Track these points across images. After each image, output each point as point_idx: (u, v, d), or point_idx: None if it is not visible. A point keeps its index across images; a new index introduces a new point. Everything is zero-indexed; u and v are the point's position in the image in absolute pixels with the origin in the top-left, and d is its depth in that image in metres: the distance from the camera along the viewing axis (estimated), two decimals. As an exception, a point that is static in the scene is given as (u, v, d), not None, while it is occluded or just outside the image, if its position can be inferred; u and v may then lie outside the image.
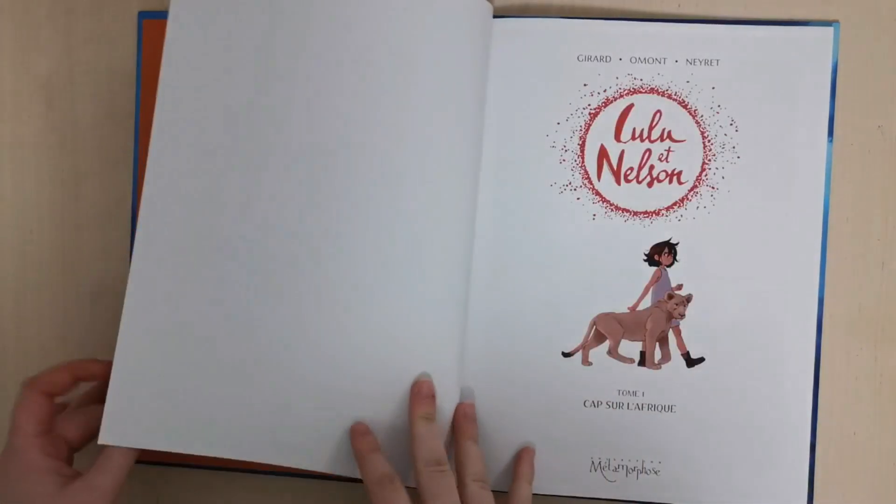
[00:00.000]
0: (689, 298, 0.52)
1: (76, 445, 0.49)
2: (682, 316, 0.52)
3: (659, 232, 0.53)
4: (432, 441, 0.47)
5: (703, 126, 0.52)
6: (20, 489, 0.46)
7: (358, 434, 0.48)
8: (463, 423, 0.51)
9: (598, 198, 0.53)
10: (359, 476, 0.48)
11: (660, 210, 0.53)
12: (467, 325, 0.52)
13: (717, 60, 0.52)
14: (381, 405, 0.49)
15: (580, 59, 0.53)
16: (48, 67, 0.55)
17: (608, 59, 0.53)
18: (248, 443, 0.48)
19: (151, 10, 0.55)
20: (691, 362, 0.52)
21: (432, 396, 0.49)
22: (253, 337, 0.49)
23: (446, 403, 0.51)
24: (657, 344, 0.53)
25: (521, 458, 0.52)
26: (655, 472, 0.52)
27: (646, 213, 0.53)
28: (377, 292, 0.49)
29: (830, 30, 0.52)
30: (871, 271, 0.53)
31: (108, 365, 0.49)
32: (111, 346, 0.55)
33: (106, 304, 0.55)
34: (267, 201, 0.49)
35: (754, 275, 0.52)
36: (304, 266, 0.49)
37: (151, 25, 0.54)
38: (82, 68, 0.55)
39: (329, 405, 0.49)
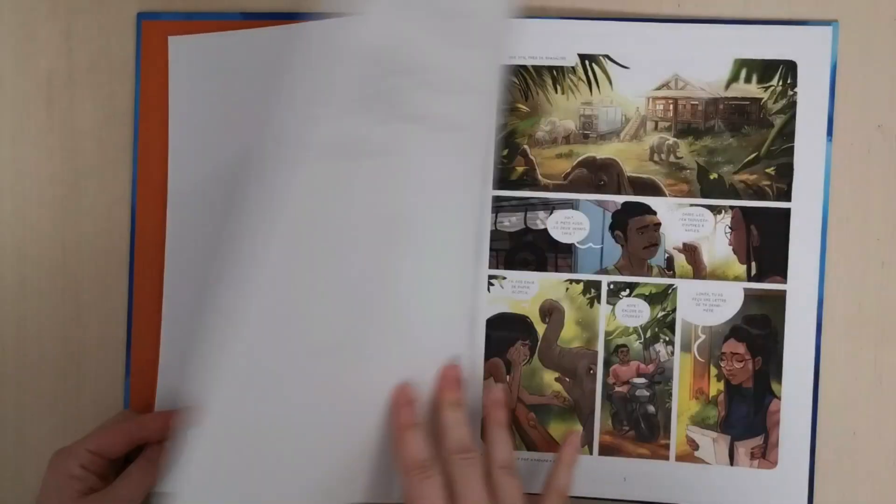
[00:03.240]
0: None
1: (115, 456, 0.50)
2: None
3: (658, 231, 0.53)
4: (460, 429, 0.47)
5: (702, 125, 0.52)
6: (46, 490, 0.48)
7: (399, 405, 0.47)
8: (491, 409, 0.49)
9: (597, 197, 0.53)
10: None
11: (659, 209, 0.53)
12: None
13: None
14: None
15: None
16: (48, 67, 0.55)
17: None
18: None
19: (151, 10, 0.55)
20: (691, 362, 0.52)
21: (460, 382, 0.49)
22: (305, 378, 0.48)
23: (471, 390, 0.51)
24: (656, 344, 0.53)
25: (566, 441, 0.50)
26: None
27: (645, 212, 0.53)
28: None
29: (829, 29, 0.52)
30: (871, 271, 0.53)
31: (166, 418, 0.49)
32: (111, 347, 0.55)
33: (106, 304, 0.55)
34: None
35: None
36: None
37: (151, 26, 0.54)
38: (82, 68, 0.55)
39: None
